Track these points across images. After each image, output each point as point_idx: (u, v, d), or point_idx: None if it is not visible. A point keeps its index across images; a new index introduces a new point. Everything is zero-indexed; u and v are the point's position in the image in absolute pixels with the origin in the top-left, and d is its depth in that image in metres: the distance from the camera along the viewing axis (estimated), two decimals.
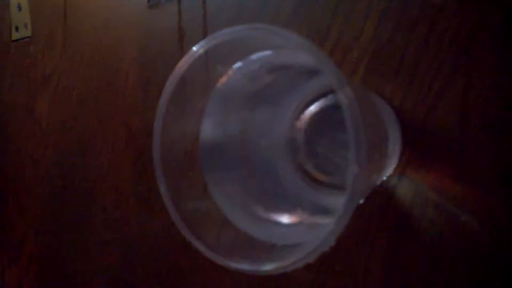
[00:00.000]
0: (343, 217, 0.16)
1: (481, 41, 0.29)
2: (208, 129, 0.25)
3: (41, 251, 0.61)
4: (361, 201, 0.25)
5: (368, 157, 0.19)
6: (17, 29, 0.61)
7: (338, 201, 0.27)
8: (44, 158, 0.59)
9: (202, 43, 0.22)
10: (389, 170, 0.30)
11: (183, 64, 0.23)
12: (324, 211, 0.28)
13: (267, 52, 0.24)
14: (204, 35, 0.42)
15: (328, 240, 0.17)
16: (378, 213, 0.32)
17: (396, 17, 0.31)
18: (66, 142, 0.56)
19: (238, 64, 0.25)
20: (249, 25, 0.20)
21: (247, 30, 0.20)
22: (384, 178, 0.31)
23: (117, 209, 0.51)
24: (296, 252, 0.18)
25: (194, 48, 0.23)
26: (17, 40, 0.61)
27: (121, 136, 0.50)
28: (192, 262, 0.44)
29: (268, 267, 0.17)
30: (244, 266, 0.18)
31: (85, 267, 0.54)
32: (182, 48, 0.44)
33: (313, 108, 0.30)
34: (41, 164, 0.59)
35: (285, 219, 0.27)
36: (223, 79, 0.25)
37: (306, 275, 0.36)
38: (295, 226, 0.26)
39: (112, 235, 0.51)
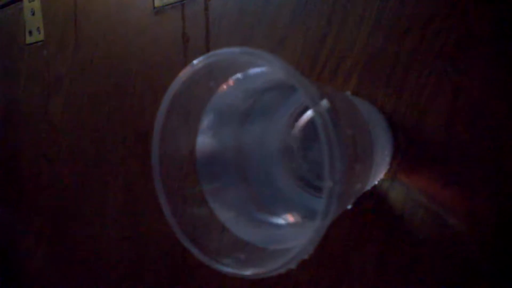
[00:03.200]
0: (320, 229, 0.18)
1: (469, 50, 0.30)
2: (205, 140, 0.27)
3: (55, 248, 0.63)
4: (349, 207, 0.26)
5: (346, 170, 0.20)
6: (30, 33, 0.63)
7: None
8: (57, 157, 0.61)
9: (200, 58, 0.23)
10: (380, 174, 0.32)
11: (181, 76, 0.25)
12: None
13: (264, 69, 0.25)
14: (207, 40, 0.44)
15: (306, 249, 0.18)
16: (371, 215, 0.34)
17: (388, 27, 0.32)
18: (78, 142, 0.58)
19: (237, 78, 0.26)
20: (241, 48, 0.21)
21: (240, 53, 0.21)
22: (376, 182, 0.32)
23: (128, 208, 0.53)
24: (278, 259, 0.19)
25: (194, 62, 0.24)
26: (31, 43, 0.64)
27: (130, 137, 0.52)
28: (197, 258, 0.46)
29: (247, 272, 0.19)
30: (228, 269, 0.20)
31: (97, 263, 0.57)
32: (186, 53, 0.46)
33: (306, 116, 0.31)
34: (55, 163, 0.62)
35: (280, 223, 0.28)
36: (220, 92, 0.27)
37: (304, 274, 0.38)
38: (290, 231, 0.28)
39: (122, 232, 0.54)
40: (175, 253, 0.48)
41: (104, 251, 0.56)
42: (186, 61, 0.46)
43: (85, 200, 0.58)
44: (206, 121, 0.27)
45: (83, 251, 0.59)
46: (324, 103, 0.19)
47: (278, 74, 0.23)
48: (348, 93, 0.33)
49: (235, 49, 0.22)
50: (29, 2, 0.63)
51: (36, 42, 0.63)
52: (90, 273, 0.58)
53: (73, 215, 0.60)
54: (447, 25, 0.30)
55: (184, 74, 0.24)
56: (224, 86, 0.27)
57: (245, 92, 0.28)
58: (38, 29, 0.62)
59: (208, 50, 0.43)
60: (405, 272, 0.33)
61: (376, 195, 0.33)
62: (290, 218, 0.29)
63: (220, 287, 0.44)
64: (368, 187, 0.30)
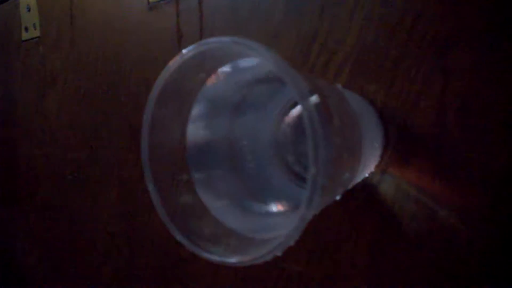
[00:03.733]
0: (305, 216, 0.18)
1: (459, 43, 0.30)
2: (195, 130, 0.27)
3: (50, 243, 0.63)
4: (337, 198, 0.27)
5: (331, 159, 0.20)
6: (26, 29, 0.63)
7: None
8: (53, 154, 0.61)
9: (190, 48, 0.24)
10: (371, 167, 0.32)
11: (171, 66, 0.25)
12: None
13: (255, 60, 0.25)
14: (201, 36, 0.44)
15: (292, 236, 0.18)
16: (362, 209, 0.34)
17: (379, 21, 0.32)
18: (74, 139, 0.58)
19: (226, 69, 0.26)
20: (233, 37, 0.21)
21: (230, 42, 0.21)
22: (366, 175, 0.32)
23: (122, 203, 0.53)
24: (263, 247, 0.19)
25: (184, 51, 0.24)
26: (27, 40, 0.64)
27: (126, 134, 0.52)
28: (191, 253, 0.46)
29: (233, 259, 0.19)
30: (214, 257, 0.20)
31: (91, 258, 0.57)
32: (180, 48, 0.46)
33: (298, 108, 0.31)
34: (50, 160, 0.62)
35: (269, 212, 0.28)
36: (211, 82, 0.27)
37: (295, 267, 0.38)
38: (278, 220, 0.28)
39: (117, 228, 0.54)
40: (169, 248, 0.48)
41: (98, 247, 0.56)
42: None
43: (80, 196, 0.58)
44: (196, 111, 0.27)
45: (78, 246, 0.59)
46: (313, 97, 0.19)
47: (268, 65, 0.24)
48: (339, 85, 0.33)
49: (226, 38, 0.22)
50: None
51: (32, 39, 0.63)
52: (85, 268, 0.58)
53: (68, 211, 0.60)
54: (438, 19, 0.30)
55: (174, 63, 0.24)
56: (215, 77, 0.27)
57: (236, 83, 0.28)
58: (34, 25, 0.62)
59: None
60: (395, 264, 0.33)
61: (366, 188, 0.33)
62: (279, 206, 0.29)
63: (213, 281, 0.44)
64: (358, 179, 0.31)
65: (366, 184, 0.33)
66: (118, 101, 0.53)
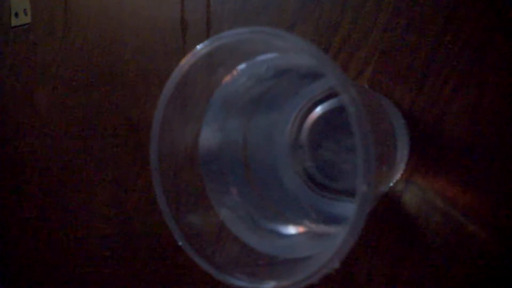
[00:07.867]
0: (349, 240, 0.15)
1: (496, 44, 0.27)
2: (209, 134, 0.24)
3: (41, 244, 0.60)
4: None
5: (376, 172, 0.18)
6: (16, 15, 0.60)
7: (344, 208, 0.26)
8: (43, 148, 0.58)
9: (205, 43, 0.21)
10: (397, 176, 0.29)
11: (184, 64, 0.22)
12: (330, 218, 0.27)
13: (273, 55, 0.23)
14: (207, 28, 0.41)
15: (332, 262, 0.16)
16: (383, 219, 0.31)
17: (408, 16, 0.30)
18: (65, 132, 0.55)
19: (243, 66, 0.24)
20: (253, 28, 0.19)
21: (251, 33, 0.18)
22: (391, 183, 0.30)
23: (117, 203, 0.50)
24: (297, 271, 0.17)
25: (198, 47, 0.22)
26: (17, 26, 0.60)
27: (122, 128, 0.49)
28: (190, 259, 0.43)
29: (268, 285, 0.16)
30: (243, 283, 0.17)
31: (84, 261, 0.54)
32: (185, 41, 0.43)
33: (317, 111, 0.29)
34: (40, 154, 0.58)
35: (289, 229, 0.26)
36: (226, 82, 0.24)
37: None
38: (300, 237, 0.25)
39: (111, 229, 0.51)
40: (166, 252, 0.46)
41: (90, 248, 0.53)
42: (185, 49, 0.43)
43: (72, 194, 0.55)
44: (210, 113, 0.24)
45: (69, 248, 0.56)
46: (356, 94, 0.17)
47: (295, 58, 0.21)
48: (366, 86, 0.31)
49: (243, 30, 0.19)
50: None
51: (23, 25, 0.60)
52: (76, 271, 0.55)
53: (59, 210, 0.57)
54: (474, 16, 0.28)
55: (187, 61, 0.22)
56: (231, 75, 0.24)
57: (252, 81, 0.25)
58: (24, 11, 0.59)
59: (208, 37, 0.41)
60: (416, 280, 0.30)
61: (388, 198, 0.31)
62: (299, 222, 0.26)
63: None
64: (385, 190, 0.28)
65: (388, 194, 0.30)
66: (114, 93, 0.50)
